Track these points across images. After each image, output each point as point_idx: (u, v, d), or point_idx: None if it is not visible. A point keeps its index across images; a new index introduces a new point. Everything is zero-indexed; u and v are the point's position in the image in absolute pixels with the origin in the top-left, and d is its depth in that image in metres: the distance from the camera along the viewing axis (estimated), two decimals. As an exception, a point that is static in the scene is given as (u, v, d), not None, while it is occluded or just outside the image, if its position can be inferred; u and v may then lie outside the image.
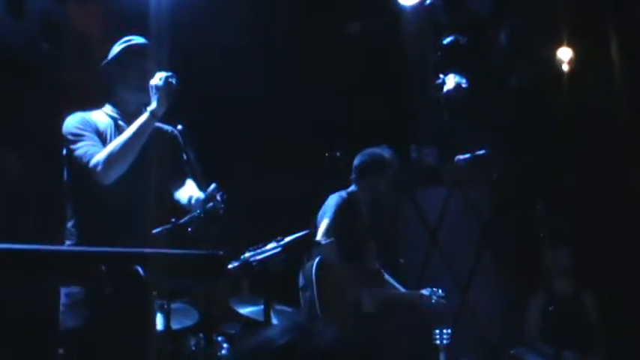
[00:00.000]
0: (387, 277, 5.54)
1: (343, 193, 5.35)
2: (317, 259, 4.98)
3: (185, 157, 3.73)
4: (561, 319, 6.13)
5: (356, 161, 5.41)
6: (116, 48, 3.87)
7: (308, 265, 4.98)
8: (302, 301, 5.03)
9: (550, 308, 6.15)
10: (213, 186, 3.54)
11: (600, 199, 6.67)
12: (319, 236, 5.12)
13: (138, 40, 3.88)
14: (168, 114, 3.75)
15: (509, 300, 6.86)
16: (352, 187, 5.41)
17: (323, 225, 5.20)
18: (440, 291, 5.40)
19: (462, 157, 5.48)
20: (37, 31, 5.13)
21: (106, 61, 3.87)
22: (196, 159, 3.72)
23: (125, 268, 2.89)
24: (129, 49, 3.83)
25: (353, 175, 5.41)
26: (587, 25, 7.17)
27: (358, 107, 5.08)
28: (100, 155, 3.57)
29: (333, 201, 5.28)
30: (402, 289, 5.53)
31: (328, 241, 5.08)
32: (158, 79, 3.65)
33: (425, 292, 5.39)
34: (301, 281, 5.04)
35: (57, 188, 3.89)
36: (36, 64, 5.21)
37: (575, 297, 6.32)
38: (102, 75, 3.89)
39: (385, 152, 5.40)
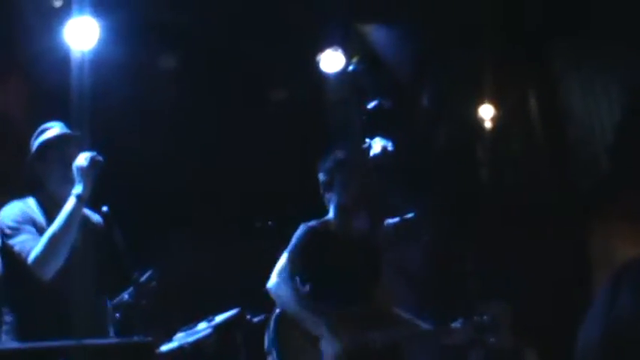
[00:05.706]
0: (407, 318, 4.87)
1: (311, 222, 4.64)
2: (276, 312, 4.37)
3: (113, 241, 3.67)
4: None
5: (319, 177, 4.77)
6: (34, 142, 3.77)
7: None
8: None
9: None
10: (149, 272, 3.49)
11: (526, 255, 6.78)
12: (270, 279, 4.44)
13: (53, 129, 3.79)
14: (95, 195, 3.70)
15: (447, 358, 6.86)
16: (328, 215, 4.74)
17: (277, 265, 4.51)
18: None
19: (391, 220, 5.49)
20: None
21: (27, 158, 3.78)
22: (122, 240, 3.66)
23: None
24: (45, 144, 3.74)
25: (325, 197, 4.75)
26: (507, 82, 7.38)
27: (286, 175, 5.06)
28: (36, 250, 3.49)
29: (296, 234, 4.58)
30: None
31: (280, 284, 4.40)
32: (83, 159, 3.58)
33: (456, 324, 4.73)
34: (266, 343, 4.34)
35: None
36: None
37: (515, 352, 6.34)
38: (26, 171, 3.79)
39: (338, 153, 4.81)
